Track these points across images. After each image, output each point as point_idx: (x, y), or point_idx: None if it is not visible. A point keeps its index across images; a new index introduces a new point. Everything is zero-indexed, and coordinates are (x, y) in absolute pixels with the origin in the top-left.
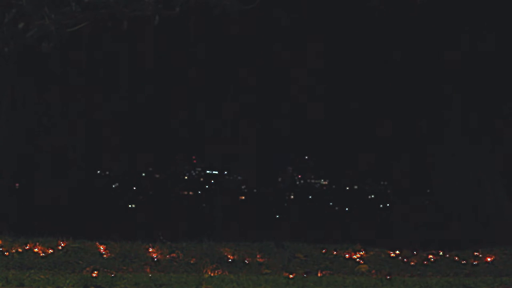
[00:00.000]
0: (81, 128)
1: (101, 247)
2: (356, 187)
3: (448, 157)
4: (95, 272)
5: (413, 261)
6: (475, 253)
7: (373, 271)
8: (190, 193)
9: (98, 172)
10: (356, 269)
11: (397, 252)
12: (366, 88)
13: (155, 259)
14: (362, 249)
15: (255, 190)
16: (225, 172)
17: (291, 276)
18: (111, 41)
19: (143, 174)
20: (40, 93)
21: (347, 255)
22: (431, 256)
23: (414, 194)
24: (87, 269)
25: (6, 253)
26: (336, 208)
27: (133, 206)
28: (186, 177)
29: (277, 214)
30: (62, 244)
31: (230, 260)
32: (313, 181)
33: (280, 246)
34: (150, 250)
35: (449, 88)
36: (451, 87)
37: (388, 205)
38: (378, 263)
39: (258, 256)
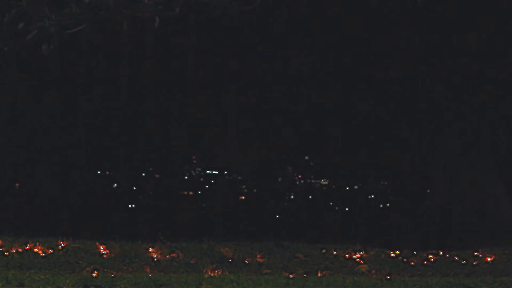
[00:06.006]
0: (81, 128)
1: (101, 247)
2: (356, 187)
3: (448, 157)
4: (95, 272)
5: (413, 261)
6: (475, 253)
7: (373, 271)
8: (190, 193)
9: (98, 172)
10: (356, 269)
11: (397, 252)
12: (366, 88)
13: (155, 259)
14: (362, 249)
15: (255, 190)
16: (225, 172)
17: (291, 276)
18: (111, 41)
19: (143, 174)
20: (40, 93)
21: (347, 255)
22: (431, 256)
23: (414, 194)
24: (87, 269)
25: (6, 253)
26: (336, 208)
27: (133, 206)
28: (186, 177)
29: (277, 214)
30: (62, 244)
31: (230, 260)
32: (313, 181)
33: (280, 246)
34: (150, 250)
35: (449, 88)
36: (451, 87)
37: (388, 205)
38: (378, 263)
39: (258, 256)
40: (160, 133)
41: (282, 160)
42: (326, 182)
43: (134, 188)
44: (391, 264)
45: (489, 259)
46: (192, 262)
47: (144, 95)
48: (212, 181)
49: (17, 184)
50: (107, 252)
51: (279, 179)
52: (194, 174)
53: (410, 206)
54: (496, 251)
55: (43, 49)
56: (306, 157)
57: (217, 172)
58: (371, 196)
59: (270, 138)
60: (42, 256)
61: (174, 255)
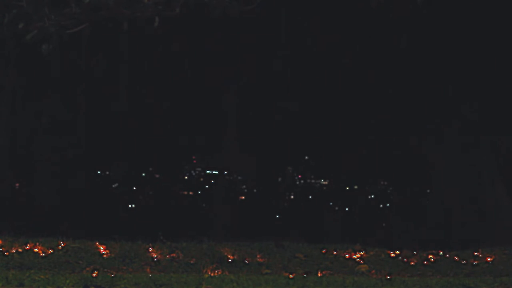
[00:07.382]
0: (81, 128)
1: (101, 247)
2: (356, 187)
3: (448, 157)
4: (95, 272)
5: (413, 261)
6: (475, 253)
7: (373, 271)
8: (190, 193)
9: (98, 172)
10: (356, 269)
11: (397, 252)
12: (366, 88)
13: (155, 259)
14: (362, 249)
15: (255, 190)
16: (225, 172)
17: (291, 276)
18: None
19: (143, 174)
20: (40, 93)
21: (347, 255)
22: (431, 256)
23: (414, 194)
24: (87, 269)
25: (6, 253)
26: (336, 208)
27: (133, 206)
28: (186, 177)
29: (277, 214)
30: (62, 244)
31: (230, 260)
32: (313, 181)
33: (280, 246)
34: (150, 250)
35: (449, 87)
36: (451, 87)
37: (388, 205)
38: (378, 263)
39: (258, 256)
40: (160, 133)
41: (282, 160)
42: (326, 182)
43: (134, 188)
44: (391, 264)
45: (489, 259)
46: (192, 262)
47: (144, 95)
48: (212, 181)
49: (17, 184)
50: (107, 252)
51: (279, 179)
52: (194, 174)
53: (410, 206)
54: (496, 251)
55: (43, 49)
56: (306, 157)
57: (217, 172)
58: (371, 196)
59: (270, 138)
60: (42, 256)
61: (174, 255)
